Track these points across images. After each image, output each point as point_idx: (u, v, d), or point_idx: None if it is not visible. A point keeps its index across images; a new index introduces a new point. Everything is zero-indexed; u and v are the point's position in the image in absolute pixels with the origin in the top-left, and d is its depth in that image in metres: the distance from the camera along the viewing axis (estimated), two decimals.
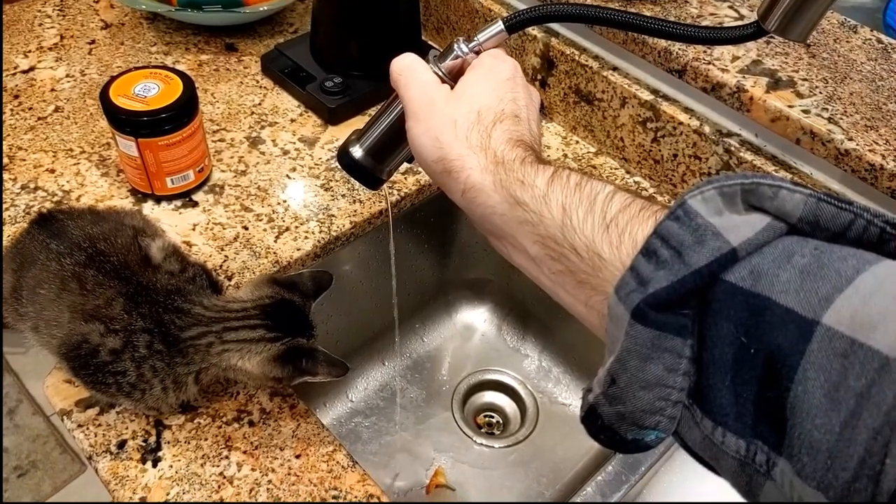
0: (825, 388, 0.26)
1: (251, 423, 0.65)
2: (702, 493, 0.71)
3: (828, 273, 0.28)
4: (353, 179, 0.56)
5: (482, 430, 0.96)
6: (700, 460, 0.33)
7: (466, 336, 1.02)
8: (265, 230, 0.80)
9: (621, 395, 0.32)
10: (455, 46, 0.50)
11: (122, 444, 0.63)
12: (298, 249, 0.78)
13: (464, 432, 0.94)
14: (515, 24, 0.49)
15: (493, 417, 0.98)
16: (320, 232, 0.80)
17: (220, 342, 0.58)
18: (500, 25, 0.49)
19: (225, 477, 0.62)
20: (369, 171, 0.55)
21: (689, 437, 0.32)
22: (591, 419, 0.34)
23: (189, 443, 0.64)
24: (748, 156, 0.80)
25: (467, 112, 0.45)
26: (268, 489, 0.61)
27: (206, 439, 0.64)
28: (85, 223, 0.63)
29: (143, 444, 0.63)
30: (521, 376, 0.99)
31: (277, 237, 0.79)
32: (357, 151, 0.55)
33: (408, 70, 0.48)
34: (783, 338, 0.27)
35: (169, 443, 0.63)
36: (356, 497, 0.62)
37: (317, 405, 0.92)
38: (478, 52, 0.50)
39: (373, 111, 0.95)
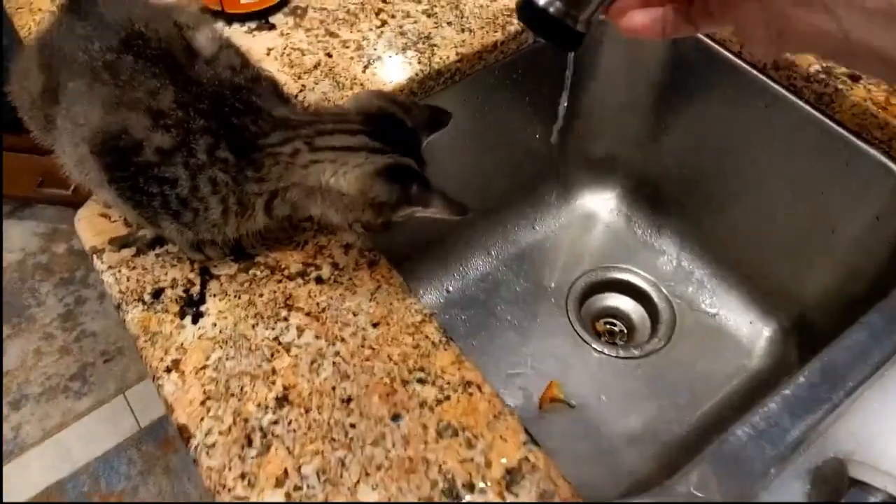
0: None
1: (319, 280, 0.48)
2: None
3: None
4: (540, 38, 0.38)
5: (602, 339, 0.75)
6: None
7: (587, 225, 0.81)
8: (352, 59, 0.61)
9: None
10: None
11: (158, 293, 0.47)
12: (389, 82, 0.59)
13: (580, 337, 0.73)
14: None
15: (615, 325, 0.77)
16: (419, 63, 0.60)
17: (309, 149, 0.40)
18: None
19: (281, 343, 0.45)
20: (560, 22, 0.36)
21: None
22: None
23: (240, 297, 0.47)
24: None
25: None
26: (334, 363, 0.44)
27: (261, 295, 0.47)
28: (121, 4, 0.46)
29: (184, 294, 0.47)
30: (654, 277, 0.77)
31: (366, 67, 0.60)
32: None
33: None
34: None
35: (215, 296, 0.47)
36: (448, 382, 0.43)
37: None
38: None
39: None
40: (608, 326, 0.77)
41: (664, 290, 0.76)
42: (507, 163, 0.77)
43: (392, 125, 0.44)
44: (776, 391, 0.48)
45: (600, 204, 0.82)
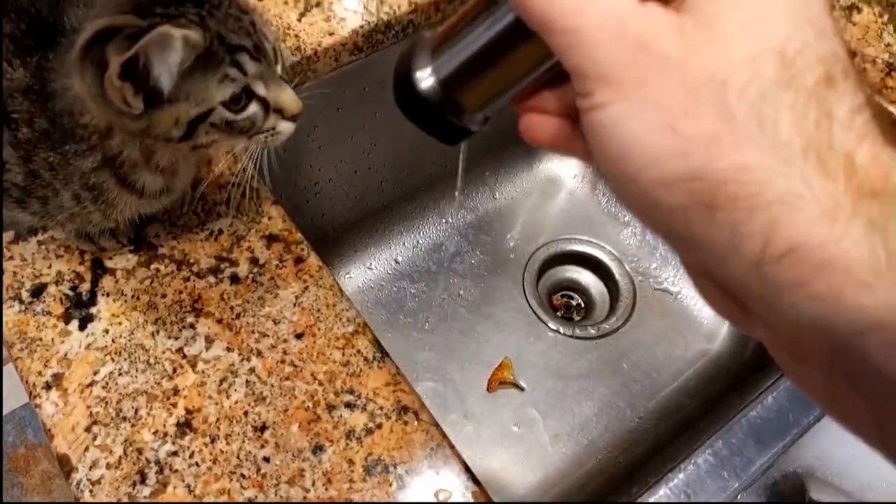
0: None
1: (234, 279, 0.40)
2: None
3: None
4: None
5: (558, 314, 0.69)
6: None
7: (549, 193, 0.73)
8: (286, 3, 0.50)
9: None
10: None
11: (38, 290, 0.39)
12: (331, 34, 0.49)
13: (535, 314, 0.67)
14: None
15: (573, 299, 0.71)
16: (365, 11, 0.50)
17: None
18: None
19: (185, 356, 0.37)
20: (443, 116, 0.25)
21: None
22: None
23: (138, 298, 0.39)
24: None
25: (748, 59, 0.17)
26: (247, 382, 0.37)
27: (164, 296, 0.39)
28: None
29: (71, 292, 0.39)
30: (617, 251, 0.70)
31: (303, 14, 0.50)
32: (426, 79, 0.25)
33: None
34: None
35: (109, 295, 0.39)
36: (381, 408, 0.36)
37: (352, 262, 0.67)
38: None
39: None
40: (566, 300, 0.71)
41: (626, 265, 0.70)
42: None
43: None
44: (741, 411, 0.43)
45: (565, 169, 0.74)
